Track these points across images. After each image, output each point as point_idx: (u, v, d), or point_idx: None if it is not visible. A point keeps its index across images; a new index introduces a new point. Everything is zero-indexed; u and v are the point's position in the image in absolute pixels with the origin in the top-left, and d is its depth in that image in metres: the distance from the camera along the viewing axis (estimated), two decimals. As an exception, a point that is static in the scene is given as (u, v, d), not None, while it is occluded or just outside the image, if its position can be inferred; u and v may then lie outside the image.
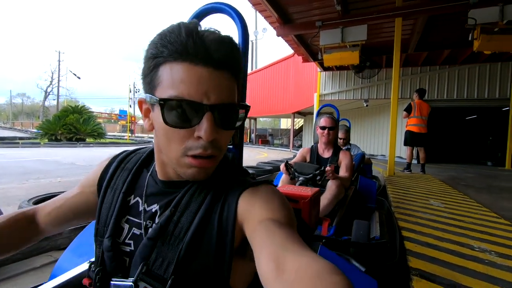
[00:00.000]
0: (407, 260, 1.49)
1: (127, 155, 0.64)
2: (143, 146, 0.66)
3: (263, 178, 4.93)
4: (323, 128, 2.37)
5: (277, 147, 19.28)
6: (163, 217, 0.50)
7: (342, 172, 2.29)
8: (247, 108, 0.51)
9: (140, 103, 0.50)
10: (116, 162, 0.62)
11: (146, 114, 0.50)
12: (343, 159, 2.35)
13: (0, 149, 11.20)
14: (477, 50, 4.17)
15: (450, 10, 4.29)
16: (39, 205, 0.67)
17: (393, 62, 4.83)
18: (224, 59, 0.44)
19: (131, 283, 0.47)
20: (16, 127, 36.58)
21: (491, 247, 1.72)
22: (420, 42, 6.16)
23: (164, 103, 0.43)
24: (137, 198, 0.55)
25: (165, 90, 0.44)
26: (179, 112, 0.43)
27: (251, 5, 5.49)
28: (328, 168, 2.03)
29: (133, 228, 0.53)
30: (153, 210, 0.53)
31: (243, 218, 0.47)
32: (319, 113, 3.50)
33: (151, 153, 0.62)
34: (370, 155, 10.36)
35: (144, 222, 0.52)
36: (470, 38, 4.14)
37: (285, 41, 6.70)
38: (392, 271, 1.50)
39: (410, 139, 5.29)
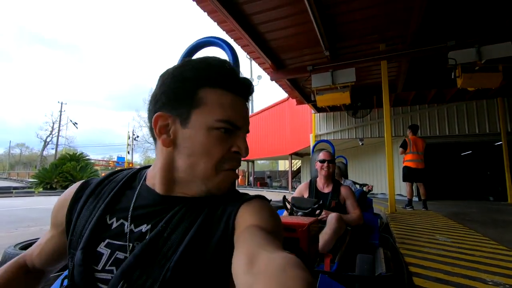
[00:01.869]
0: (417, 296, 1.39)
1: (114, 172, 0.62)
2: (123, 169, 0.66)
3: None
4: (322, 161, 2.39)
5: (276, 189, 19.01)
6: (153, 233, 0.48)
7: (352, 210, 2.25)
8: None
9: (159, 117, 0.51)
10: (93, 185, 0.59)
11: (164, 130, 0.51)
12: (348, 197, 2.31)
13: (-8, 199, 10.92)
14: (461, 87, 4.38)
15: (430, 53, 4.61)
16: (26, 251, 0.64)
17: (383, 102, 5.03)
18: (250, 94, 0.55)
19: None
20: (12, 177, 36.21)
21: (505, 280, 1.61)
22: (407, 82, 6.49)
23: (217, 121, 0.50)
24: (121, 220, 0.51)
25: (213, 111, 0.50)
26: (225, 130, 0.50)
27: (245, 53, 5.90)
28: (323, 214, 2.01)
29: (116, 252, 0.49)
30: (143, 231, 0.50)
31: (236, 227, 0.47)
32: (314, 150, 3.53)
33: (136, 173, 0.61)
34: (370, 194, 10.21)
35: (131, 244, 0.49)
36: (452, 77, 4.38)
37: (279, 85, 7.03)
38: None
39: (408, 174, 5.28)
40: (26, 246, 2.08)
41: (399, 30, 4.45)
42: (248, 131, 0.55)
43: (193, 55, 1.00)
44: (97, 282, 0.47)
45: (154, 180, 0.54)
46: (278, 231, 0.46)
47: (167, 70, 0.54)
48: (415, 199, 6.31)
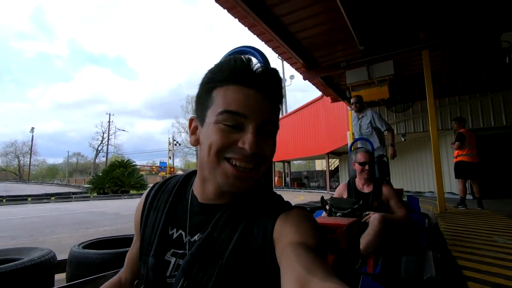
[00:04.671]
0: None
1: (164, 181, 0.69)
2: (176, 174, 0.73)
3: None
4: (362, 164, 2.28)
5: (314, 189, 18.65)
6: (204, 234, 0.53)
7: (397, 209, 2.17)
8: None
9: (191, 121, 0.58)
10: (157, 186, 0.67)
11: (194, 131, 0.57)
12: (390, 196, 2.22)
13: (56, 203, 12.26)
14: (518, 72, 3.94)
15: (478, 37, 4.22)
16: (120, 271, 0.71)
17: (426, 94, 4.71)
18: (268, 85, 0.52)
19: None
20: (71, 183, 40.13)
21: None
22: (452, 71, 6.00)
23: (219, 114, 0.50)
24: (180, 231, 0.58)
25: (218, 106, 0.50)
26: (229, 123, 0.49)
27: (277, 55, 5.91)
28: (374, 215, 1.94)
29: (179, 260, 0.55)
30: (196, 239, 0.55)
31: (276, 241, 0.49)
32: (352, 148, 3.42)
33: (188, 176, 0.67)
34: (417, 193, 9.55)
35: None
36: (507, 61, 3.96)
37: (312, 84, 6.93)
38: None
39: (463, 170, 4.87)
40: (87, 245, 2.32)
41: (440, 15, 4.13)
42: (263, 123, 0.50)
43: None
44: (167, 287, 0.54)
45: (196, 185, 0.60)
46: (321, 247, 0.47)
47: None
48: (469, 197, 5.78)
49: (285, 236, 0.47)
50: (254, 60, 0.55)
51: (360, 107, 4.04)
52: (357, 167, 2.32)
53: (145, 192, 0.69)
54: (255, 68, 0.51)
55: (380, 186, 2.28)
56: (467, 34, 4.22)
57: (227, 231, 0.52)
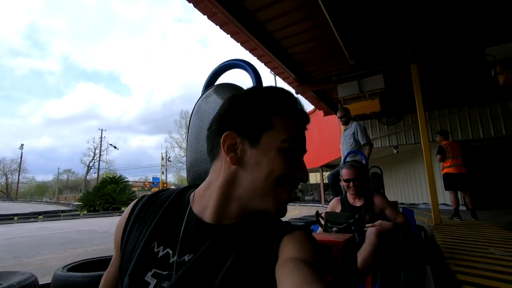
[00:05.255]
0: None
1: (155, 194, 0.63)
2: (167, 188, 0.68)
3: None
4: (346, 181, 2.24)
5: (308, 203, 18.55)
6: (195, 256, 0.49)
7: (394, 217, 2.10)
8: None
9: (228, 136, 0.53)
10: (145, 198, 0.61)
11: (231, 148, 0.52)
12: (384, 206, 2.17)
13: (44, 222, 11.85)
14: (504, 84, 4.06)
15: (464, 51, 4.36)
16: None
17: (416, 107, 4.79)
18: (307, 123, 0.59)
19: None
20: (60, 201, 39.15)
21: None
22: (441, 84, 6.15)
23: (284, 141, 0.53)
24: (168, 250, 0.52)
25: (282, 133, 0.53)
26: (292, 153, 0.54)
27: (269, 70, 5.99)
28: (370, 229, 1.88)
29: (162, 282, 0.49)
30: (186, 259, 0.50)
31: (278, 261, 0.46)
32: (345, 161, 3.41)
33: (182, 191, 0.62)
34: (411, 204, 9.56)
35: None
36: (493, 74, 4.08)
37: (305, 98, 7.00)
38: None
39: (451, 181, 4.92)
40: (72, 267, 2.21)
41: (427, 31, 4.27)
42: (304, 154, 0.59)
43: (219, 77, 1.04)
44: None
45: (204, 203, 0.55)
46: (321, 264, 0.45)
47: (236, 94, 0.57)
48: (463, 208, 5.81)
49: (285, 252, 0.46)
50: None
51: (347, 120, 4.09)
52: (344, 183, 2.28)
53: (131, 204, 0.62)
54: (299, 106, 0.58)
55: (372, 198, 2.24)
56: (454, 48, 4.36)
57: (221, 254, 0.48)
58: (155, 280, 0.49)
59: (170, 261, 0.50)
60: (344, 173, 2.26)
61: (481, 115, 7.62)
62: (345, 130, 4.12)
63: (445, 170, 5.00)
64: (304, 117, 0.58)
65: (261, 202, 0.52)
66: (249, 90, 0.58)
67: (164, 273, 0.49)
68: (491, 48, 4.06)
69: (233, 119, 0.54)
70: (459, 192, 5.11)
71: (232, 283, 0.45)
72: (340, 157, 3.83)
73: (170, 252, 0.51)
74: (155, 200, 0.60)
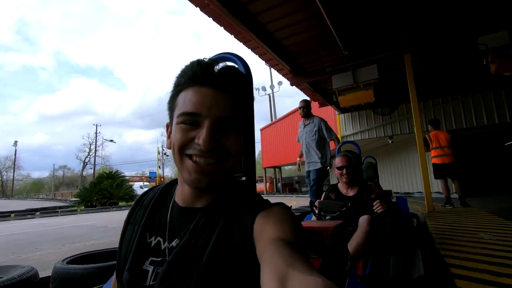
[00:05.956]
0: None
1: (142, 195, 0.68)
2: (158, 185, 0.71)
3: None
4: (340, 168, 2.24)
5: (305, 194, 18.68)
6: (181, 241, 0.52)
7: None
8: (244, 125, 0.57)
9: (167, 126, 0.59)
10: (135, 201, 0.67)
11: (169, 135, 0.58)
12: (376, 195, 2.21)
13: (41, 219, 11.83)
14: (496, 73, 4.10)
15: (456, 40, 4.38)
16: None
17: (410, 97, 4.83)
18: (227, 82, 0.53)
19: None
20: (57, 197, 38.98)
21: None
22: (434, 74, 6.19)
23: (178, 116, 0.53)
24: (158, 238, 0.57)
25: (178, 108, 0.53)
26: (186, 123, 0.52)
27: (264, 62, 5.97)
28: (363, 216, 1.90)
29: (157, 268, 0.53)
30: (174, 245, 0.54)
31: (256, 239, 0.48)
32: (339, 151, 3.45)
33: (170, 184, 0.66)
34: (406, 193, 9.70)
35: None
36: (485, 63, 4.12)
37: (300, 89, 7.01)
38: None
39: (437, 171, 5.07)
40: (72, 260, 2.25)
41: (419, 21, 4.28)
42: (221, 119, 0.52)
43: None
44: None
45: (180, 190, 0.60)
46: (302, 242, 0.46)
47: None
48: (455, 196, 5.92)
49: (265, 232, 0.47)
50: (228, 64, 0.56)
51: (307, 113, 4.11)
52: (336, 172, 2.28)
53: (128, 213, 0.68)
54: (215, 68, 0.53)
55: (365, 187, 2.26)
56: (446, 37, 4.37)
57: (204, 235, 0.51)
58: (152, 267, 0.54)
59: (162, 248, 0.55)
60: (337, 161, 2.28)
61: (475, 104, 7.69)
62: (306, 124, 4.15)
63: (432, 160, 5.14)
64: (215, 77, 0.52)
65: (183, 177, 0.54)
66: None
67: (158, 259, 0.54)
68: (483, 37, 4.08)
69: (168, 107, 0.59)
70: (448, 180, 5.23)
71: (217, 261, 0.48)
72: (335, 148, 3.86)
73: (161, 240, 0.56)
74: (144, 200, 0.65)
